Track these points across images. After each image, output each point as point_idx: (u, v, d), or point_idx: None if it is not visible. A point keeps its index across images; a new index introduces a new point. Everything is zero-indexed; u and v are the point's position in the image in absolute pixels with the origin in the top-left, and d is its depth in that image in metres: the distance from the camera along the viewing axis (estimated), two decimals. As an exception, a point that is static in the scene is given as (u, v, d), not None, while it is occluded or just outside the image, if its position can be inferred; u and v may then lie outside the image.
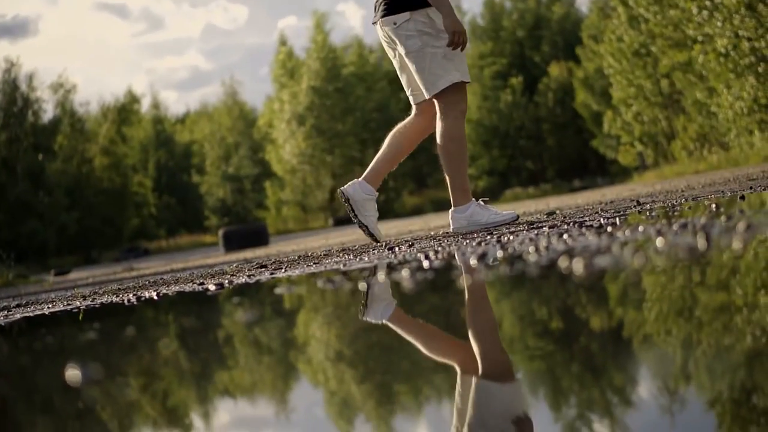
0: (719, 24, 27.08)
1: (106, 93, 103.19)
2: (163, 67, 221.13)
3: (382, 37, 6.38)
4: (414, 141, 6.62)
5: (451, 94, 6.08)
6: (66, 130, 55.37)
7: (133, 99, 66.79)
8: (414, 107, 6.52)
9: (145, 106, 74.86)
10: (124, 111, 63.71)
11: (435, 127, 6.29)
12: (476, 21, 61.21)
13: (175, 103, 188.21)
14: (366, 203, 6.51)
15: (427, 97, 6.14)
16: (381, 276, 3.79)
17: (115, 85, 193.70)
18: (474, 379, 1.77)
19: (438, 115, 6.17)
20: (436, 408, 1.65)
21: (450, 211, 6.22)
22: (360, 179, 6.57)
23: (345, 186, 6.60)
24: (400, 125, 6.57)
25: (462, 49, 6.16)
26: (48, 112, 65.59)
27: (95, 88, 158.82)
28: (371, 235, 6.52)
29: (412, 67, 6.16)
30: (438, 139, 6.17)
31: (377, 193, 6.57)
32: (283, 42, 62.17)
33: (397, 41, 6.16)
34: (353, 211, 6.50)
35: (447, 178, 6.21)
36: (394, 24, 6.13)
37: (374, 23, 6.38)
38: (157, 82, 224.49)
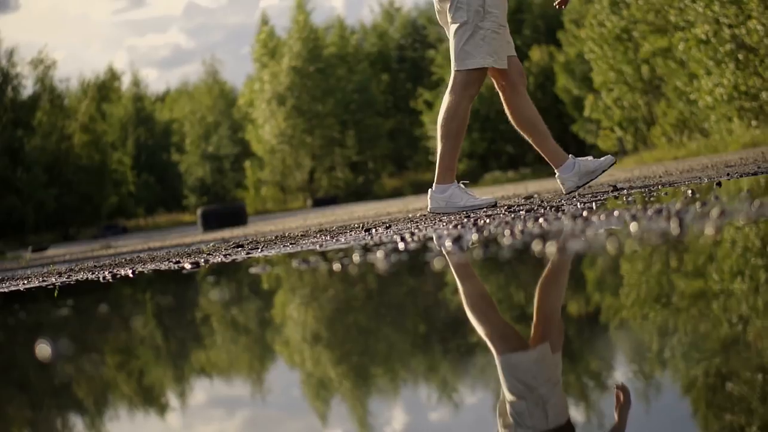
0: (700, 10, 27.13)
1: (87, 70, 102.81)
2: (144, 44, 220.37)
3: (435, 2, 6.38)
4: (523, 103, 6.37)
5: (470, 75, 6.11)
6: (45, 106, 55.06)
7: (113, 76, 66.51)
8: (495, 83, 6.41)
9: (125, 83, 74.63)
10: (104, 88, 63.41)
11: (520, 82, 6.31)
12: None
13: (155, 81, 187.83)
14: (582, 172, 6.29)
15: (453, 69, 6.16)
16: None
17: (96, 62, 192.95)
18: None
19: (448, 89, 6.20)
20: (412, 389, 1.65)
21: (430, 189, 6.23)
22: (557, 174, 6.36)
23: (564, 192, 6.40)
24: (509, 111, 6.39)
25: (564, 6, 6.24)
26: (27, 87, 65.44)
27: (75, 65, 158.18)
28: (594, 179, 6.39)
29: (450, 36, 6.20)
30: (441, 113, 6.20)
31: (568, 155, 6.36)
32: (264, 21, 61.92)
33: (446, 10, 6.19)
34: (583, 185, 6.29)
35: (438, 153, 6.23)
36: None
37: None
38: (138, 60, 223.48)
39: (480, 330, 2.05)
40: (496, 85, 6.39)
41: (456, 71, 6.14)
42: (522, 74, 6.39)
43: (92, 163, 57.11)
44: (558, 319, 2.06)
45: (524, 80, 6.40)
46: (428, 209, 6.28)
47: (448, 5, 6.14)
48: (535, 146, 6.42)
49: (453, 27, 6.14)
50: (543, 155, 6.42)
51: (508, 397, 1.44)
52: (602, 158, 6.34)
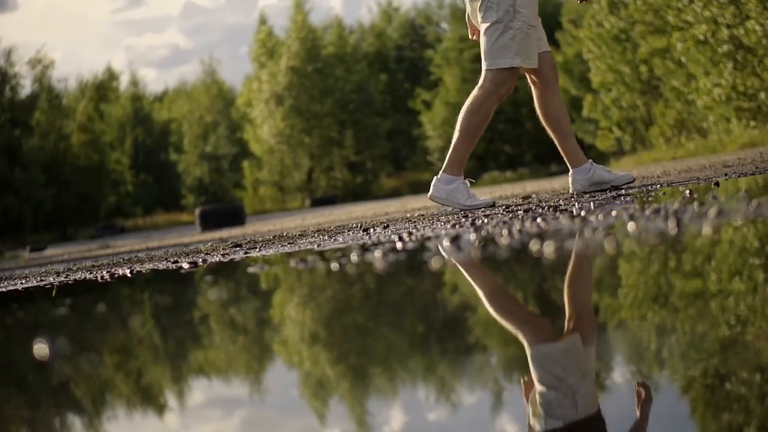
0: (698, 10, 27.14)
1: (85, 69, 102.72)
2: (142, 44, 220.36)
3: (466, 2, 6.41)
4: (554, 101, 6.42)
5: (501, 74, 6.12)
6: (43, 106, 55.04)
7: (111, 76, 66.38)
8: (528, 78, 6.45)
9: (123, 83, 74.52)
10: (103, 88, 63.27)
11: (553, 79, 6.36)
12: (457, 4, 61.25)
13: (153, 81, 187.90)
14: (594, 180, 6.31)
15: (483, 68, 6.18)
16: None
17: (94, 62, 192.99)
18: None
19: (479, 84, 6.22)
20: (411, 389, 1.65)
21: (435, 177, 6.26)
22: (570, 173, 6.39)
23: (570, 191, 6.44)
24: (538, 106, 6.43)
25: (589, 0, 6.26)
26: (26, 87, 65.34)
27: (74, 65, 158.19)
28: (603, 189, 6.34)
29: (481, 34, 6.22)
30: (466, 105, 6.23)
31: (588, 160, 6.39)
32: (263, 21, 61.88)
33: (477, 9, 6.21)
34: (590, 192, 6.30)
35: (452, 143, 6.27)
36: None
37: None
38: (136, 60, 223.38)
39: (505, 322, 2.05)
40: (528, 80, 6.45)
41: (486, 69, 6.18)
42: (554, 68, 6.42)
43: (90, 163, 57.06)
44: (582, 313, 2.06)
45: (557, 76, 6.45)
46: (428, 195, 6.31)
47: (479, 4, 6.18)
48: (556, 144, 6.47)
49: (483, 26, 6.18)
50: (562, 154, 6.46)
51: (538, 387, 1.44)
52: (621, 174, 6.41)
